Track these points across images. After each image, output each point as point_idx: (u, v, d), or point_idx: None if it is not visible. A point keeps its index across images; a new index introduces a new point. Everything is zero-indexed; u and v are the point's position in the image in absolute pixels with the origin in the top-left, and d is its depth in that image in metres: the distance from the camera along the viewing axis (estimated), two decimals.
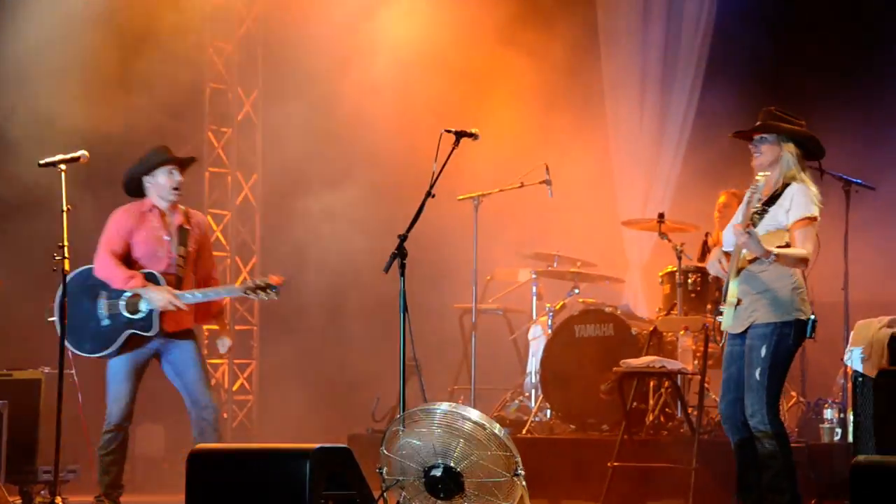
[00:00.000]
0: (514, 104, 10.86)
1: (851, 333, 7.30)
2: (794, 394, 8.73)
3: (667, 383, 8.37)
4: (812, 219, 6.03)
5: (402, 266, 6.25)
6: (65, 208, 6.75)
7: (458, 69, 10.77)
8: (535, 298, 9.76)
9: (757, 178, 6.07)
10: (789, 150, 6.13)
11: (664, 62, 10.96)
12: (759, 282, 6.05)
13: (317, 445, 5.82)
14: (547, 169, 8.94)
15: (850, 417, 7.63)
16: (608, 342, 8.78)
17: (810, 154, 6.24)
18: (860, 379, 6.92)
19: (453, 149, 6.44)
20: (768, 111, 6.20)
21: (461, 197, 8.91)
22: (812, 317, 6.04)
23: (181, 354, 7.10)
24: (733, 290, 6.05)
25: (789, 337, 6.02)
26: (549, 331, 9.30)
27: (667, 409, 8.53)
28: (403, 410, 5.93)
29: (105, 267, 7.02)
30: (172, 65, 10.49)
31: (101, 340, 7.01)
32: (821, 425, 8.06)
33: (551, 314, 9.44)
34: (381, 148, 10.68)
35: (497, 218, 10.13)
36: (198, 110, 11.75)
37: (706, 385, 8.05)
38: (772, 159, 6.15)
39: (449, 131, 6.48)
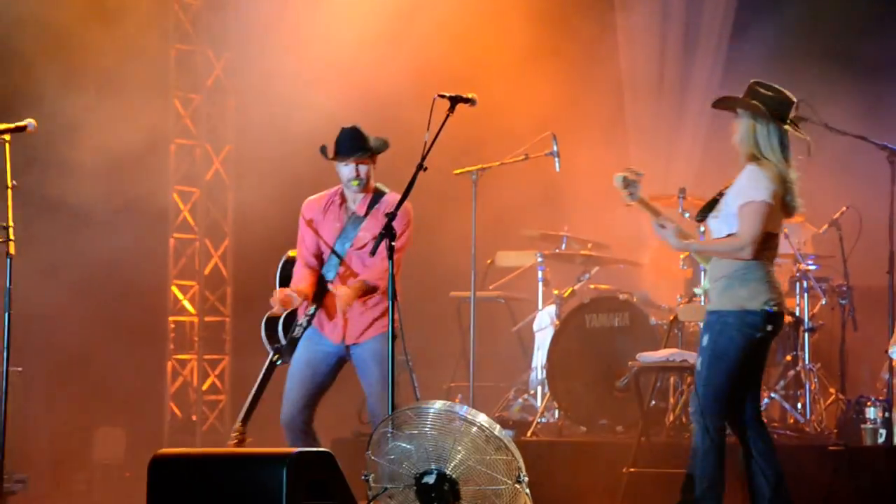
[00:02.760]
0: (517, 66, 10.82)
1: None
2: (832, 391, 8.73)
3: (689, 379, 8.36)
4: (757, 203, 6.15)
5: (391, 248, 6.25)
6: (9, 184, 6.72)
7: (453, 28, 10.73)
8: (541, 285, 9.75)
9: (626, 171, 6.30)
10: (748, 128, 6.27)
11: (687, 21, 10.93)
12: (716, 269, 6.25)
13: (295, 450, 5.82)
14: (554, 139, 8.92)
15: None
16: (623, 333, 8.80)
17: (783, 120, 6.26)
18: None
19: (448, 116, 6.45)
20: (750, 86, 6.33)
21: (458, 171, 8.89)
22: (767, 308, 6.11)
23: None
24: (705, 279, 6.24)
25: (732, 327, 6.15)
26: (557, 321, 9.29)
27: (689, 408, 8.51)
28: (392, 410, 5.92)
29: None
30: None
31: None
32: (862, 426, 8.06)
33: (559, 302, 9.43)
34: (368, 115, 10.63)
35: (498, 195, 10.09)
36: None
37: None
38: (741, 139, 6.33)
39: (443, 96, 6.50)
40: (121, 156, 10.84)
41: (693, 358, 7.98)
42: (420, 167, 6.34)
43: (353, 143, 7.17)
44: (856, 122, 7.90)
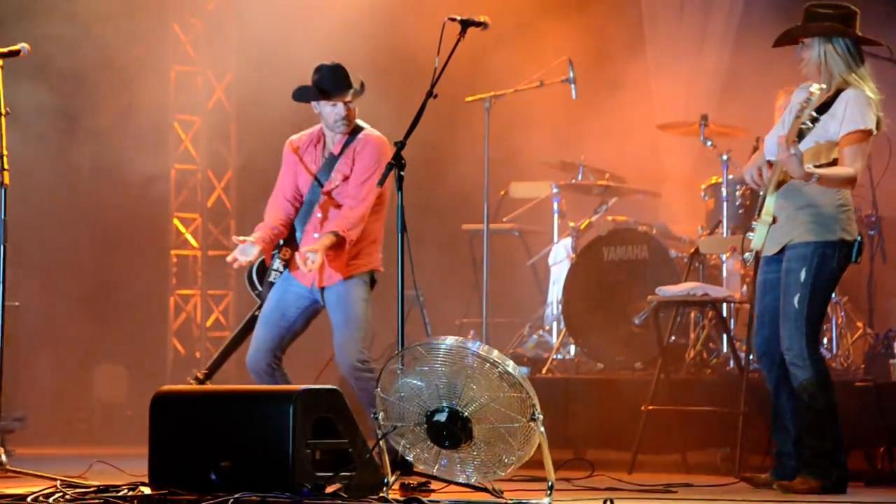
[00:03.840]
0: None
1: None
2: (860, 325, 8.72)
3: (710, 314, 8.36)
4: (866, 132, 6.11)
5: (400, 178, 6.23)
6: (2, 111, 6.70)
7: None
8: (556, 216, 9.72)
9: (811, 89, 6.07)
10: (832, 51, 6.20)
11: None
12: (799, 197, 6.17)
13: (301, 387, 5.83)
14: (570, 64, 8.87)
15: None
16: (642, 266, 8.77)
17: (860, 39, 6.24)
18: None
19: (459, 40, 6.39)
20: (807, 9, 6.22)
21: (470, 98, 8.86)
22: (858, 238, 6.15)
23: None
24: (769, 205, 6.21)
25: (833, 259, 6.16)
26: (573, 254, 9.28)
27: (710, 344, 8.54)
28: (402, 346, 5.93)
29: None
30: None
31: None
32: (891, 361, 8.05)
33: (575, 235, 9.42)
34: (374, 39, 10.59)
35: (512, 123, 10.05)
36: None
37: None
38: (817, 66, 6.23)
39: (453, 19, 6.43)
40: (117, 83, 10.82)
41: (714, 291, 7.99)
42: (430, 94, 6.30)
43: (341, 82, 6.96)
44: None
